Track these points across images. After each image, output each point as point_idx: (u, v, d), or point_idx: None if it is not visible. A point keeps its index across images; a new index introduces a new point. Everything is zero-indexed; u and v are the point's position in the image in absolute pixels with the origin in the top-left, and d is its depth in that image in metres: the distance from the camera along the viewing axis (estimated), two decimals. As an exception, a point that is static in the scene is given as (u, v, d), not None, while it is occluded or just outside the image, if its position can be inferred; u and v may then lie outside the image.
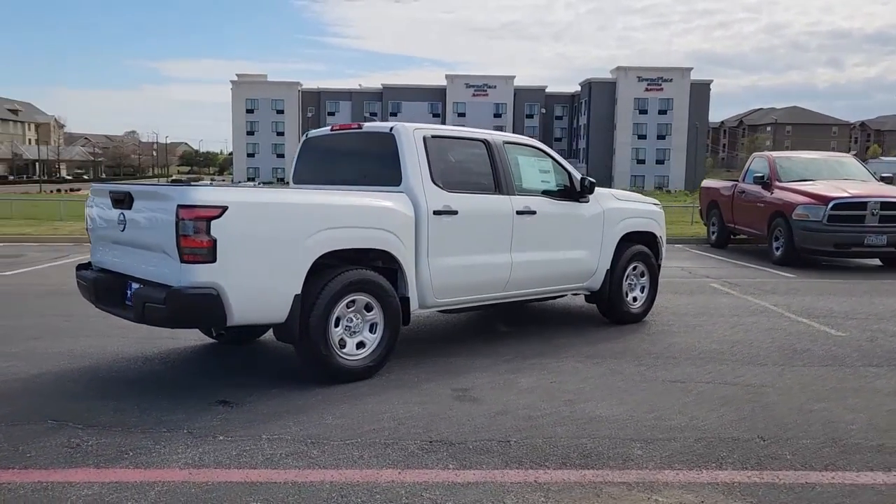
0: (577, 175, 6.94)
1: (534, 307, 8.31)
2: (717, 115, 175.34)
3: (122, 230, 5.07)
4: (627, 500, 3.40)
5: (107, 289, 5.19)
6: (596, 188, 7.18)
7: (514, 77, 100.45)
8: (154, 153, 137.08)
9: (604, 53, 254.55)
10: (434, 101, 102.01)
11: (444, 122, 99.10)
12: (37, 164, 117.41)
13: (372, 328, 5.37)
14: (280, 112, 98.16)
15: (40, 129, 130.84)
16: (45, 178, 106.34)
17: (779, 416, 4.63)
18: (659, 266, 7.85)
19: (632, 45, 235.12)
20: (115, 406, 4.65)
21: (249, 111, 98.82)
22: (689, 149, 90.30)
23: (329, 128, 6.59)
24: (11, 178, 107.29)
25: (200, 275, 4.50)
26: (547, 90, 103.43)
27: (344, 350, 5.21)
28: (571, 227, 6.82)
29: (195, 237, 4.47)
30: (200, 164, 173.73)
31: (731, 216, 15.04)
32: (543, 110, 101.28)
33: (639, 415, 4.61)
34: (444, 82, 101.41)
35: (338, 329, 5.17)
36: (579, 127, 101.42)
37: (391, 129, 5.80)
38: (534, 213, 6.40)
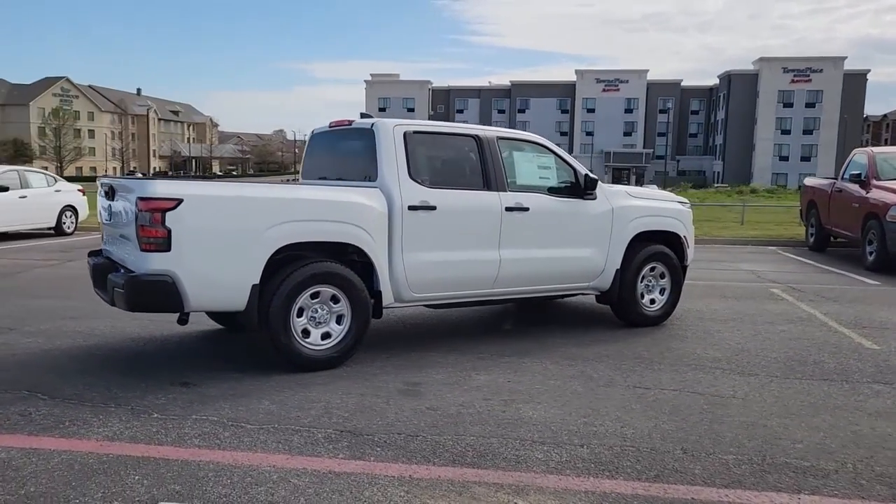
0: (584, 171, 6.76)
1: (558, 305, 8.17)
2: (881, 107, 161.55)
3: (109, 220, 5.52)
4: (486, 501, 3.35)
5: (99, 274, 5.65)
6: (607, 185, 7.01)
7: (647, 71, 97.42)
8: (296, 151, 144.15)
9: (755, 44, 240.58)
10: (563, 97, 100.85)
11: (572, 119, 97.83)
12: (193, 160, 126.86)
13: (339, 320, 5.52)
14: (410, 110, 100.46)
15: (197, 129, 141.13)
16: (200, 173, 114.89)
17: (722, 429, 4.35)
18: (685, 268, 7.48)
19: (787, 34, 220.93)
20: (87, 381, 5.07)
21: (382, 109, 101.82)
22: (840, 145, 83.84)
23: (328, 124, 6.79)
24: (170, 173, 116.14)
25: (156, 262, 4.83)
26: (683, 84, 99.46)
27: (307, 340, 5.39)
28: (573, 225, 6.65)
29: (151, 227, 4.80)
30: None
31: (828, 217, 13.98)
32: (672, 104, 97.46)
33: (570, 419, 4.48)
34: (574, 78, 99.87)
35: (301, 319, 5.35)
36: (716, 122, 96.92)
37: (371, 125, 5.92)
38: (526, 209, 6.31)
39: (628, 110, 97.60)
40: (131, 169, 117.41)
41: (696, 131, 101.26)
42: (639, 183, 69.68)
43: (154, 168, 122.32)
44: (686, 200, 7.73)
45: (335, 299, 5.48)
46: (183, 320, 5.28)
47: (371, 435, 4.16)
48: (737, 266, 12.36)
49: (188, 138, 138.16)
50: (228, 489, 3.41)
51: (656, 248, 7.19)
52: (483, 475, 3.63)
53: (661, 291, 7.33)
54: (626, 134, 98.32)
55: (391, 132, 5.84)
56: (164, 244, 4.82)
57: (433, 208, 5.85)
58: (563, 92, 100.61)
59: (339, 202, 5.47)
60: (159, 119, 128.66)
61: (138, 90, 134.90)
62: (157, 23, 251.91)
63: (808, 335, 6.94)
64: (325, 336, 5.47)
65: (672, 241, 7.37)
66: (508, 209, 6.22)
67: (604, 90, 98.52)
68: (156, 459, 3.75)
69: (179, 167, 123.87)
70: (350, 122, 6.38)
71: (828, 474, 3.69)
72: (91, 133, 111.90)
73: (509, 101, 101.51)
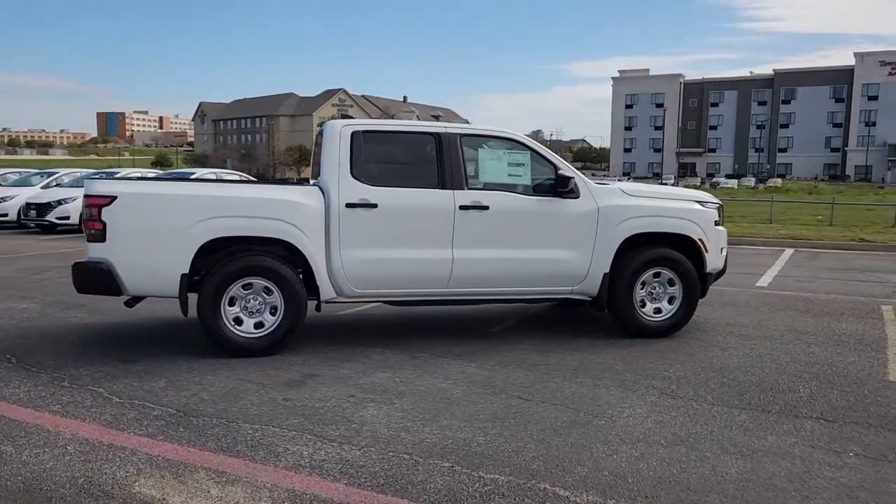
0: (564, 169, 6.38)
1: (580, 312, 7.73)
2: None
3: None
4: (190, 485, 3.49)
5: None
6: (597, 182, 6.55)
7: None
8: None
9: None
10: (838, 84, 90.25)
11: (848, 109, 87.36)
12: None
13: (273, 311, 5.86)
14: (659, 106, 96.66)
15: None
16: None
17: (530, 443, 3.99)
18: (704, 275, 6.68)
19: None
20: (61, 353, 5.94)
21: (629, 106, 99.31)
22: None
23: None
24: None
25: (95, 251, 5.58)
26: None
27: (240, 327, 5.81)
28: (546, 225, 6.30)
29: (91, 221, 5.55)
30: (594, 161, 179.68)
31: None
32: None
33: (395, 421, 4.39)
34: (851, 62, 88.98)
35: (233, 308, 5.79)
36: None
37: (322, 126, 6.17)
38: (485, 208, 6.13)
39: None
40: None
41: None
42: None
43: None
44: (707, 200, 6.87)
45: (268, 291, 5.82)
46: (129, 304, 5.98)
47: (200, 418, 4.44)
48: (866, 276, 10.53)
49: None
50: (10, 447, 3.93)
51: (660, 252, 6.53)
52: (224, 462, 3.75)
53: (671, 300, 6.62)
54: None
55: (338, 133, 6.04)
56: (101, 236, 5.53)
57: (374, 206, 5.95)
58: (838, 78, 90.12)
59: (267, 199, 5.81)
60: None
61: (404, 98, 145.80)
62: (423, 34, 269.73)
63: (844, 362, 5.87)
64: (259, 325, 5.84)
65: (686, 245, 6.62)
66: (463, 207, 6.09)
67: (890, 73, 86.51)
68: (29, 425, 4.20)
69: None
70: (321, 125, 6.67)
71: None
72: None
73: (771, 92, 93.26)
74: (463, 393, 4.96)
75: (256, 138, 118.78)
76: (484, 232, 6.17)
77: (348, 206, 5.91)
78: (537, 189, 6.35)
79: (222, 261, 5.75)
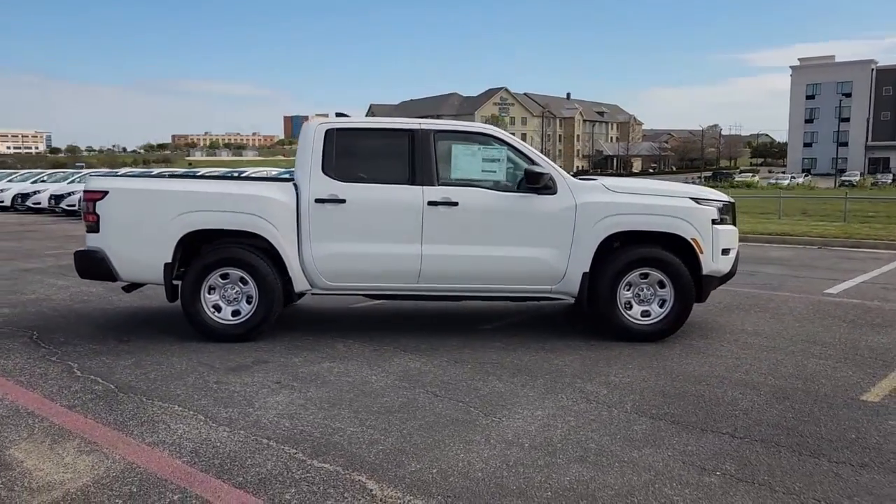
0: (547, 165, 6.23)
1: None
2: None
3: None
4: (33, 441, 3.89)
5: None
6: (578, 177, 6.36)
7: None
8: (719, 147, 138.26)
9: None
10: None
11: None
12: (614, 159, 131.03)
13: (249, 300, 6.24)
14: (846, 95, 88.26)
15: (620, 128, 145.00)
16: (620, 171, 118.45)
17: (392, 436, 4.02)
18: (701, 277, 6.25)
19: None
20: (76, 331, 6.67)
21: (809, 97, 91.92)
22: None
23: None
24: (590, 171, 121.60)
25: (91, 241, 6.22)
26: None
27: (218, 315, 6.23)
28: (519, 222, 6.18)
29: (87, 213, 6.20)
30: (776, 156, 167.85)
31: None
32: None
33: (290, 408, 4.56)
34: None
35: (212, 296, 6.22)
36: None
37: (303, 125, 6.46)
38: (454, 204, 6.14)
39: None
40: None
41: None
42: None
43: (577, 167, 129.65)
44: (714, 197, 6.39)
45: (244, 281, 6.20)
46: (127, 289, 6.58)
47: (129, 394, 4.85)
48: None
49: (611, 137, 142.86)
50: (-48, 408, 4.54)
51: (648, 252, 6.19)
52: (103, 435, 4.11)
53: (662, 303, 6.26)
54: None
55: (312, 130, 6.29)
56: (95, 227, 6.17)
57: (342, 201, 6.14)
58: None
59: (241, 195, 6.17)
60: (584, 120, 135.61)
61: (567, 94, 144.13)
62: (589, 29, 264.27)
63: (810, 373, 5.29)
64: (236, 313, 6.23)
65: (679, 244, 6.23)
66: (432, 203, 6.13)
67: None
68: (-26, 383, 5.02)
69: (599, 166, 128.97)
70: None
71: None
72: (523, 136, 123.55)
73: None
74: (383, 386, 5.02)
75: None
76: (453, 228, 6.16)
77: (317, 201, 6.13)
78: (512, 185, 6.23)
79: (202, 252, 6.18)
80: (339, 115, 6.77)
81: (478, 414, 4.46)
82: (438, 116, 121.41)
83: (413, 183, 6.17)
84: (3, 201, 26.80)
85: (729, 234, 6.39)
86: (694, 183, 46.67)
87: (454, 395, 4.83)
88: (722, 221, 6.37)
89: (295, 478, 3.54)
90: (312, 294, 6.47)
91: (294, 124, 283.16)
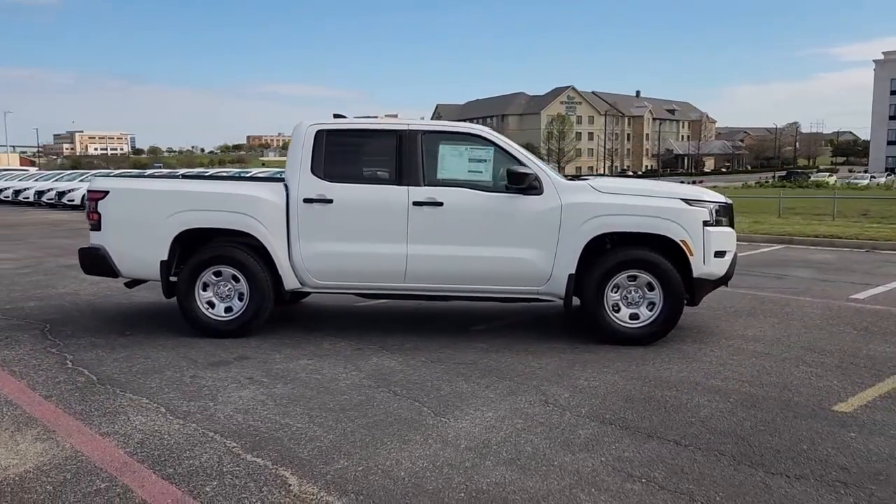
0: (533, 166, 6.20)
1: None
2: None
3: None
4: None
5: None
6: (565, 177, 6.31)
7: None
8: (796, 145, 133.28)
9: None
10: None
11: None
12: (684, 158, 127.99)
13: (241, 297, 6.42)
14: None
15: (692, 126, 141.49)
16: (691, 171, 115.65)
17: (334, 433, 4.09)
18: (693, 281, 6.10)
19: None
20: (84, 325, 6.99)
21: (894, 93, 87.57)
22: None
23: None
24: (659, 171, 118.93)
25: (94, 238, 6.52)
26: None
27: (212, 311, 6.43)
28: (504, 222, 6.15)
29: (91, 212, 6.50)
30: (859, 154, 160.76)
31: None
32: None
33: (250, 404, 4.67)
34: None
35: (206, 293, 6.43)
36: None
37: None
38: (439, 204, 6.16)
39: None
40: (624, 168, 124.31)
41: None
42: None
43: (646, 167, 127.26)
44: (706, 198, 6.20)
45: (236, 279, 6.38)
46: (129, 285, 6.85)
47: (106, 385, 5.06)
48: None
49: (681, 136, 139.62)
50: (-60, 395, 4.84)
51: (636, 254, 6.08)
52: (65, 424, 4.30)
53: (651, 306, 6.13)
54: None
55: (304, 132, 6.42)
56: (97, 225, 6.45)
57: (329, 201, 6.25)
58: None
59: (232, 194, 6.34)
60: (654, 119, 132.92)
61: (637, 92, 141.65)
62: (660, 24, 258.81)
63: (790, 381, 5.10)
64: (228, 310, 6.42)
65: (667, 246, 6.09)
66: (417, 203, 6.17)
67: None
68: (-29, 372, 5.32)
69: (668, 165, 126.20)
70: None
71: None
72: (590, 135, 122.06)
73: None
74: (349, 384, 5.09)
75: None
76: (438, 228, 6.18)
77: (306, 201, 6.25)
78: (497, 186, 6.21)
79: (196, 250, 6.38)
80: (336, 116, 6.87)
81: (428, 414, 4.48)
82: (504, 116, 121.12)
83: (399, 183, 6.22)
84: (73, 200, 28.05)
85: (723, 236, 6.21)
86: (765, 183, 44.98)
87: (414, 394, 4.85)
88: (717, 223, 6.19)
89: (223, 471, 3.64)
90: (306, 292, 6.59)
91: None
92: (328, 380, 5.19)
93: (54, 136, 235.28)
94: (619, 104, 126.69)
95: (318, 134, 6.37)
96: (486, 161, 6.30)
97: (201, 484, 3.49)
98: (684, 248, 6.02)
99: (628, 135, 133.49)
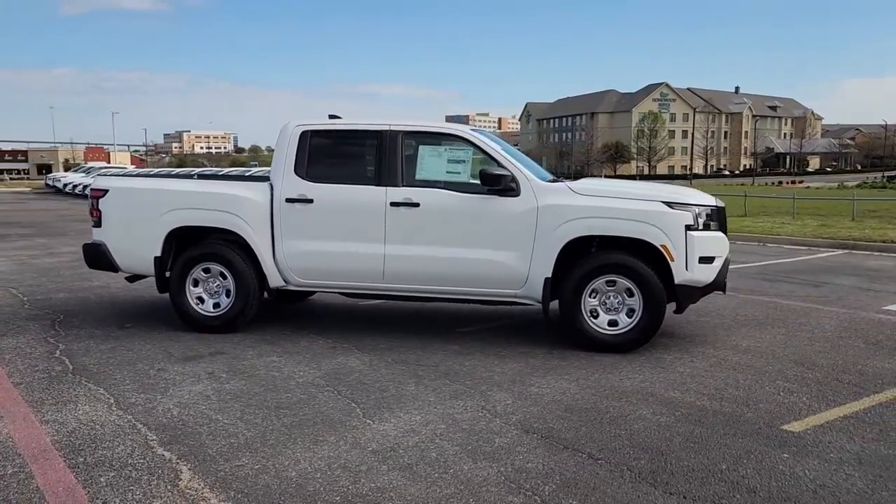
0: (511, 167, 6.10)
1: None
2: None
3: None
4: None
5: None
6: (545, 179, 6.18)
7: None
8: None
9: None
10: None
11: None
12: (786, 157, 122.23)
13: (228, 293, 6.61)
14: None
15: (796, 123, 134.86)
16: (793, 170, 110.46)
17: (251, 429, 4.16)
18: (675, 287, 5.85)
19: None
20: (93, 317, 7.35)
21: None
22: None
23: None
24: (758, 171, 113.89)
25: (96, 234, 6.86)
26: None
27: (201, 306, 6.65)
28: (480, 224, 6.07)
29: (92, 209, 6.84)
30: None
31: None
32: None
33: (196, 399, 4.80)
34: None
35: (196, 289, 6.65)
36: None
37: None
38: (416, 205, 6.15)
39: None
40: (720, 167, 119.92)
41: None
42: None
43: (743, 165, 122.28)
44: (692, 201, 5.92)
45: (224, 276, 6.57)
46: (130, 280, 7.15)
47: (78, 375, 5.30)
48: None
49: (784, 134, 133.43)
50: (-75, 379, 5.22)
51: (614, 258, 5.88)
52: (14, 411, 4.56)
53: (630, 313, 5.92)
54: None
55: (289, 132, 6.53)
56: (98, 222, 6.79)
57: (310, 201, 6.34)
58: None
59: (219, 194, 6.52)
60: (754, 116, 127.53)
61: (736, 88, 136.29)
62: (763, 18, 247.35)
63: (754, 396, 4.80)
64: (216, 305, 6.62)
65: (648, 251, 5.87)
66: (394, 204, 6.18)
67: None
68: (-33, 359, 5.71)
69: (769, 164, 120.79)
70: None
71: None
72: (684, 133, 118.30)
73: None
74: (300, 382, 5.15)
75: (576, 136, 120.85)
76: (415, 229, 6.16)
77: (288, 200, 6.37)
78: (476, 187, 6.13)
79: (185, 247, 6.61)
80: (331, 116, 6.95)
81: (358, 415, 4.48)
82: (594, 114, 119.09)
83: (379, 184, 6.24)
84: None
85: (710, 241, 5.91)
86: (870, 183, 42.21)
87: (356, 395, 4.86)
88: (704, 227, 5.90)
89: (126, 462, 3.76)
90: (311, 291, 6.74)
91: (455, 122, 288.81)
92: (282, 378, 5.26)
93: (164, 135, 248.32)
94: (716, 101, 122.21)
95: (303, 134, 6.47)
96: (464, 162, 6.23)
97: (99, 475, 3.61)
98: (664, 252, 5.77)
99: (725, 132, 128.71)
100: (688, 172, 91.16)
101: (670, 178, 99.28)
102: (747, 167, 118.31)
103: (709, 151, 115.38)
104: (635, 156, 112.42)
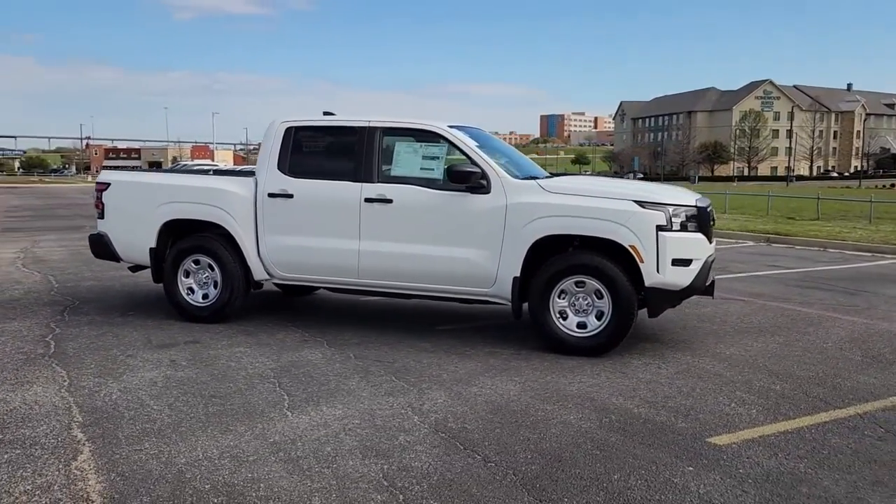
0: (486, 164, 6.00)
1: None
2: None
3: None
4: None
5: None
6: (517, 176, 6.08)
7: None
8: None
9: None
10: None
11: None
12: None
13: (216, 285, 6.82)
14: None
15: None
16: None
17: (177, 417, 4.28)
18: (646, 289, 5.62)
19: None
20: (102, 306, 7.74)
21: None
22: None
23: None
24: (870, 172, 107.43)
25: (99, 225, 7.22)
26: None
27: (192, 297, 6.88)
28: (451, 221, 6.01)
29: (97, 201, 7.20)
30: None
31: None
32: None
33: (145, 387, 4.96)
34: None
35: (188, 280, 6.89)
36: None
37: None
38: (389, 201, 6.16)
39: None
40: (828, 169, 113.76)
41: None
42: None
43: (854, 167, 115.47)
44: (667, 201, 5.64)
45: (212, 267, 6.78)
46: (132, 269, 7.47)
47: (57, 359, 5.59)
48: None
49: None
50: (-82, 356, 5.64)
51: (582, 258, 5.71)
52: None
53: (600, 315, 5.73)
54: None
55: (275, 128, 6.67)
56: (101, 214, 7.14)
57: (290, 196, 6.46)
58: None
59: (203, 188, 6.73)
60: (868, 114, 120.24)
61: (848, 86, 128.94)
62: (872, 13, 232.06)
63: (699, 406, 4.54)
64: (205, 297, 6.84)
65: (619, 251, 5.65)
66: (368, 200, 6.21)
67: None
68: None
69: (883, 166, 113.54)
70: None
71: None
72: (788, 133, 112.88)
73: None
74: (249, 374, 5.24)
75: (672, 135, 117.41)
76: (388, 225, 6.17)
77: (270, 195, 6.50)
78: (448, 184, 6.06)
79: (178, 239, 6.86)
80: (326, 113, 7.04)
81: (284, 407, 4.52)
82: (691, 113, 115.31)
83: (355, 180, 6.27)
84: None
85: (686, 242, 5.63)
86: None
87: (295, 387, 4.91)
88: (681, 228, 5.63)
89: (37, 442, 3.93)
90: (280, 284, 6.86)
91: (549, 123, 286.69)
92: (235, 368, 5.37)
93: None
94: (825, 98, 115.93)
95: (287, 130, 6.58)
96: (439, 158, 6.18)
97: (4, 451, 3.79)
98: (633, 253, 5.53)
99: (835, 132, 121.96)
100: (788, 174, 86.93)
101: (770, 179, 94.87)
102: (858, 168, 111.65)
103: (815, 152, 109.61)
104: (734, 156, 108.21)
